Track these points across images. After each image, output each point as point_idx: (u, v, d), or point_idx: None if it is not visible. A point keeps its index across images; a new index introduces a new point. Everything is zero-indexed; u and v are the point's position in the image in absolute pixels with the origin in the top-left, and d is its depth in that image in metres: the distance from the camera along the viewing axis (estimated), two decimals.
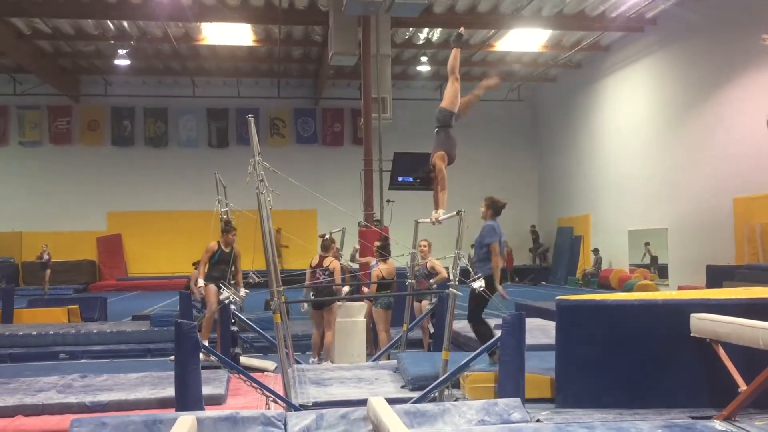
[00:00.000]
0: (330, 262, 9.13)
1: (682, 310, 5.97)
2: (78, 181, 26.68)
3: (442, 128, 7.24)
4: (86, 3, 18.50)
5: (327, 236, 9.54)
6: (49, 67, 24.18)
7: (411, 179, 14.76)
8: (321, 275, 9.03)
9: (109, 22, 20.13)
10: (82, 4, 18.56)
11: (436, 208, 7.10)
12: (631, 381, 5.92)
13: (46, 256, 22.24)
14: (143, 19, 19.71)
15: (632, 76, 21.79)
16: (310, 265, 9.20)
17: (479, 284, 6.30)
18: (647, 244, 21.04)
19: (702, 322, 5.74)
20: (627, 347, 5.96)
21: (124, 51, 21.79)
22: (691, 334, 5.84)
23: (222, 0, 18.60)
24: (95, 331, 11.18)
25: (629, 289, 17.71)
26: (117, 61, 22.82)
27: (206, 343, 7.23)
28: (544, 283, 25.66)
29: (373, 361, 8.48)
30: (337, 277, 9.03)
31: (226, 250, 9.16)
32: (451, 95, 7.29)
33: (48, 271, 22.13)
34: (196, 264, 11.46)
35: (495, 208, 7.06)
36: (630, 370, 5.93)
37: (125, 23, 20.32)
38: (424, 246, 9.11)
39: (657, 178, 20.10)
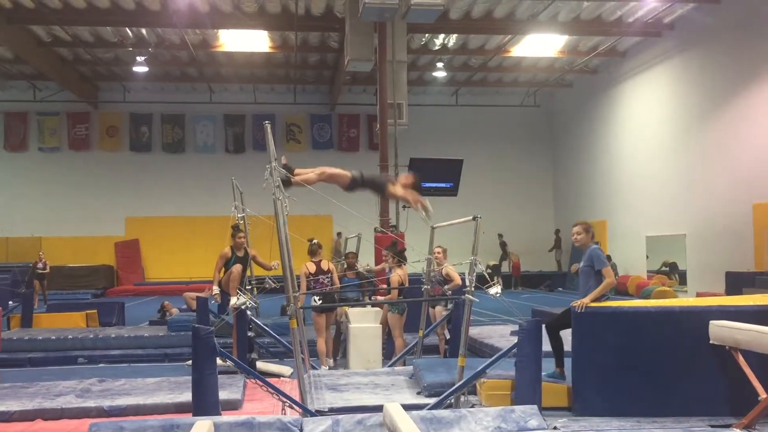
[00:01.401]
0: (327, 265, 9.33)
1: (700, 317, 5.93)
2: (96, 187, 26.91)
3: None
4: (105, 11, 18.68)
5: (315, 241, 9.60)
6: (69, 74, 24.44)
7: (427, 185, 14.75)
8: (324, 279, 9.21)
9: (127, 29, 20.31)
10: (101, 12, 18.75)
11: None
12: (649, 389, 5.88)
13: (41, 265, 20.86)
14: (161, 27, 19.87)
15: (650, 81, 21.66)
16: (309, 273, 9.24)
17: (495, 290, 6.28)
18: (664, 265, 20.94)
19: (721, 330, 5.69)
20: (645, 355, 5.93)
21: (143, 58, 21.97)
22: (710, 342, 5.79)
23: (239, 7, 18.72)
24: (113, 335, 11.25)
25: (647, 296, 17.55)
26: (135, 68, 23.03)
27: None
28: (560, 289, 25.52)
29: (389, 367, 8.47)
30: (336, 277, 9.29)
31: (239, 254, 9.22)
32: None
33: (44, 282, 20.77)
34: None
35: (591, 231, 6.74)
36: (648, 377, 5.89)
37: (143, 30, 20.49)
38: (439, 253, 9.10)
39: (675, 183, 19.95)
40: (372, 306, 9.67)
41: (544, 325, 6.76)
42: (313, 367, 8.23)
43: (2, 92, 25.97)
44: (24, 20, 19.35)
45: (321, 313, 9.12)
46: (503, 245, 26.94)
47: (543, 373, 6.31)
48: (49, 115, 26.87)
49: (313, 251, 9.42)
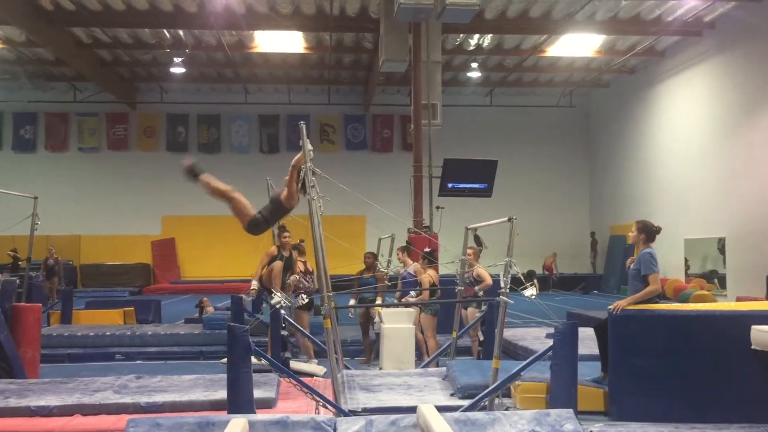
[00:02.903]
0: (312, 266, 9.68)
1: (741, 321, 5.80)
2: (134, 186, 27.35)
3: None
4: (144, 12, 18.97)
5: (302, 242, 9.90)
6: (108, 75, 24.88)
7: (461, 186, 14.70)
8: (309, 278, 9.72)
9: (165, 31, 20.61)
10: (140, 14, 19.04)
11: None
12: (688, 394, 5.77)
13: (51, 261, 18.44)
14: (198, 28, 20.12)
15: (689, 81, 21.28)
16: (299, 271, 9.71)
17: (530, 292, 6.22)
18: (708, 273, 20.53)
19: (763, 335, 5.57)
20: (684, 359, 5.82)
21: (180, 59, 22.29)
22: (752, 347, 5.66)
23: (275, 8, 18.85)
24: (150, 333, 11.42)
25: (685, 300, 17.26)
26: (172, 69, 23.36)
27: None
28: (595, 291, 25.23)
29: (422, 368, 8.45)
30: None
31: (285, 254, 9.28)
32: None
33: (55, 279, 18.25)
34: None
35: (648, 232, 6.31)
36: (687, 382, 5.78)
37: (181, 32, 20.77)
38: (470, 254, 9.06)
39: (714, 185, 19.58)
40: (383, 306, 9.72)
41: (593, 328, 6.67)
42: (347, 367, 8.25)
43: (43, 93, 26.52)
44: (65, 22, 19.74)
45: (305, 311, 9.48)
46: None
47: (587, 378, 6.22)
48: (88, 116, 27.39)
49: (301, 251, 9.89)
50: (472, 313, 9.18)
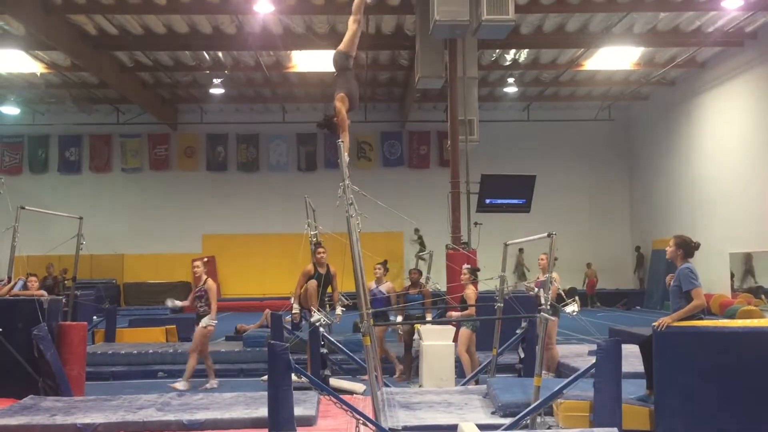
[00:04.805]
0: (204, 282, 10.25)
1: None
2: (175, 205, 27.80)
3: (341, 72, 7.20)
4: (184, 35, 19.37)
5: (205, 260, 10.25)
6: (150, 97, 25.40)
7: (499, 201, 14.61)
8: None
9: (204, 53, 21.00)
10: (181, 37, 19.44)
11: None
12: (737, 413, 5.62)
13: (50, 281, 15.52)
14: (237, 50, 20.46)
15: (731, 92, 20.89)
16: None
17: (572, 308, 6.14)
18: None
19: None
20: (732, 377, 5.66)
21: (219, 80, 22.67)
22: None
23: (311, 28, 19.08)
24: None
25: (731, 315, 16.82)
26: (212, 90, 23.75)
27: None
28: (638, 307, 24.77)
29: (462, 385, 8.38)
30: (213, 298, 10.23)
31: (321, 271, 9.29)
32: (350, 38, 7.26)
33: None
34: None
35: (686, 248, 6.27)
36: (735, 401, 5.63)
37: (220, 54, 21.14)
38: (543, 259, 8.88)
39: (759, 198, 19.11)
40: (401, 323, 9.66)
41: (638, 345, 6.54)
42: (387, 385, 8.22)
43: (88, 116, 27.14)
44: (108, 47, 20.24)
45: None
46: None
47: (632, 396, 6.09)
48: (131, 137, 27.98)
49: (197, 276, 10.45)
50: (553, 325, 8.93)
